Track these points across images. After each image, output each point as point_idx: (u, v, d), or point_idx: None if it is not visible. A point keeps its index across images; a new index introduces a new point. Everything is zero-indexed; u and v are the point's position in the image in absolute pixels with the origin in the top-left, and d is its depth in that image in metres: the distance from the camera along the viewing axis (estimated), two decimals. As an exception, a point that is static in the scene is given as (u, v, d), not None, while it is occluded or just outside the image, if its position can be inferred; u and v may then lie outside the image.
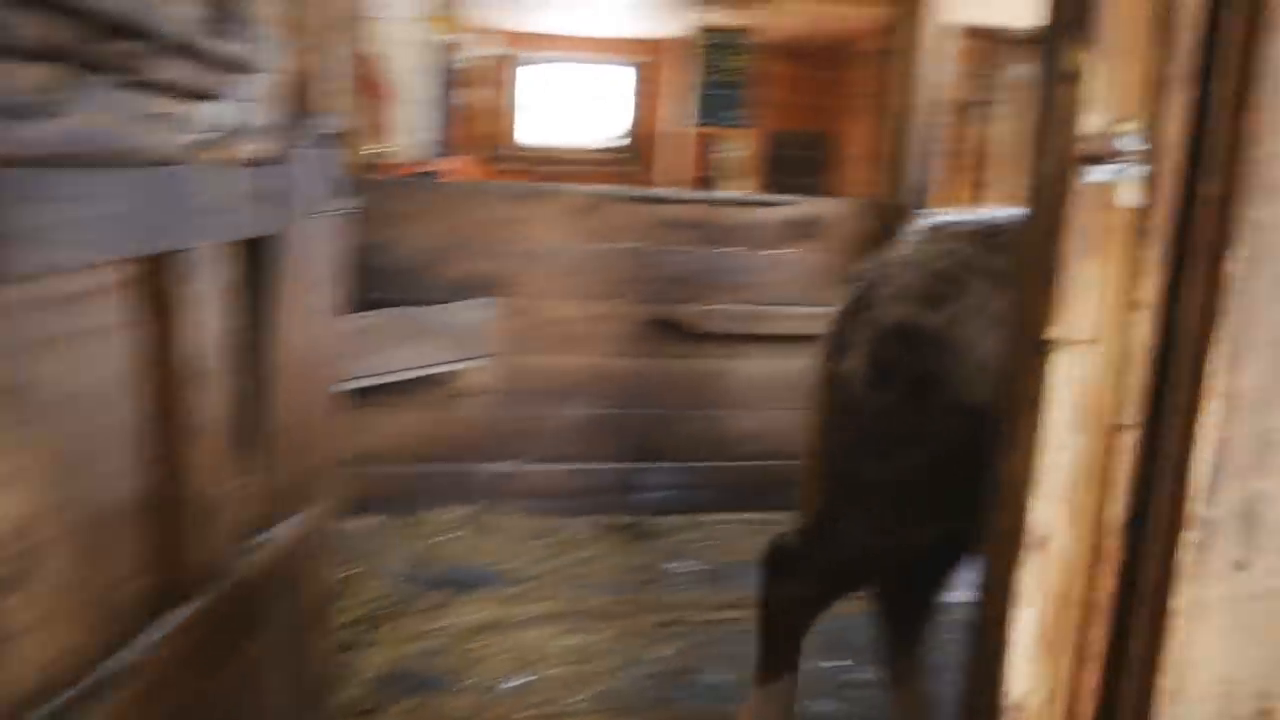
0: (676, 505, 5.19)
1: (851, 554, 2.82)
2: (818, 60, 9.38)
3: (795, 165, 9.24)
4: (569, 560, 4.64)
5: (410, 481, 4.91)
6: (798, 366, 5.17)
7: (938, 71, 4.88)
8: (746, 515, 5.22)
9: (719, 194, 5.08)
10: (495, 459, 5.01)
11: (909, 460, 2.57)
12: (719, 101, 8.68)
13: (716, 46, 8.49)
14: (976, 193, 6.97)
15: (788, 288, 5.11)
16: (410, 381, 4.69)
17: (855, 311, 2.75)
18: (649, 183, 10.18)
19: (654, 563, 4.65)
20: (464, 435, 4.96)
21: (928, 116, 4.92)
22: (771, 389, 5.20)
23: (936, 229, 2.73)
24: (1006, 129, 6.74)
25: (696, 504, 5.21)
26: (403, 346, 4.59)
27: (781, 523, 5.13)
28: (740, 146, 9.02)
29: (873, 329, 2.64)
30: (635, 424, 5.10)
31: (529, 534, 4.85)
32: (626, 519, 5.06)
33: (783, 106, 9.20)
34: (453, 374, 4.85)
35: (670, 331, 5.03)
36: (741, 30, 8.48)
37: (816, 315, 5.15)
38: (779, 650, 2.99)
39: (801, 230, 5.07)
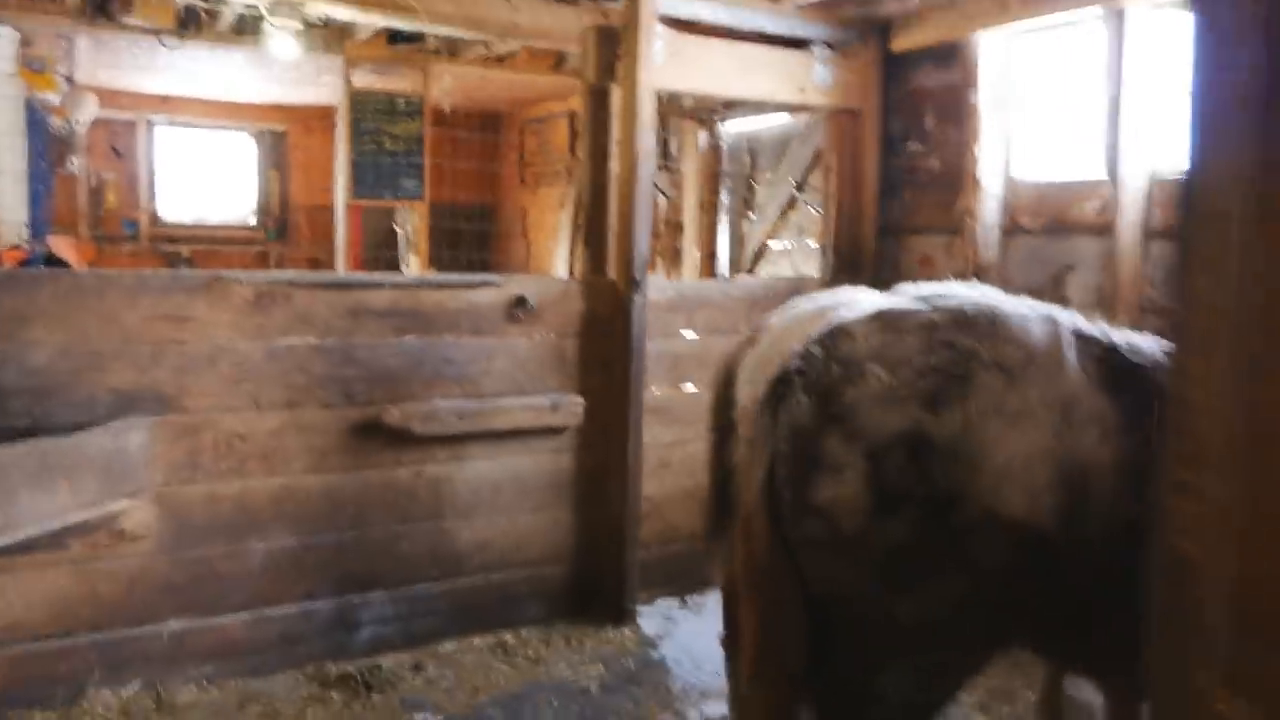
0: (402, 640, 4.42)
1: (902, 714, 2.31)
2: (486, 127, 9.01)
3: (464, 239, 8.74)
4: (282, 738, 3.73)
5: (51, 661, 3.74)
6: (526, 463, 4.66)
7: (649, 138, 4.64)
8: (485, 638, 4.56)
9: (416, 276, 4.48)
10: (163, 618, 3.96)
11: (955, 594, 2.18)
12: (380, 172, 8.01)
13: (377, 112, 7.82)
14: (672, 263, 6.88)
15: (506, 377, 4.58)
16: (45, 535, 3.57)
17: (818, 422, 2.25)
18: (298, 262, 9.20)
19: (391, 722, 3.85)
20: (120, 594, 3.87)
21: (644, 185, 4.65)
22: (499, 491, 4.62)
23: (889, 317, 2.35)
24: (690, 197, 6.72)
25: (426, 634, 4.47)
26: (31, 490, 3.47)
27: (526, 639, 4.62)
28: (408, 220, 8.38)
29: (862, 444, 2.18)
30: (342, 551, 4.28)
31: (216, 711, 3.86)
32: (344, 667, 4.20)
33: (451, 176, 8.69)
34: (100, 518, 3.77)
35: (376, 437, 4.29)
36: (403, 96, 7.89)
37: (541, 405, 4.72)
38: None
39: (515, 312, 4.57)
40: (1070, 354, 2.27)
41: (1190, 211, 0.90)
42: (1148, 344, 2.45)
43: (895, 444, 2.15)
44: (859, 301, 2.61)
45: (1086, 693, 3.87)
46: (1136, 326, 2.92)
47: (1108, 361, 2.30)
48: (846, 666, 2.34)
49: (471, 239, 8.54)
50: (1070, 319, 2.41)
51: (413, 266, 8.17)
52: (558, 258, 8.14)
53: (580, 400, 4.73)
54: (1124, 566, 2.15)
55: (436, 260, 8.46)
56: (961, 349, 2.21)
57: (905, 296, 2.52)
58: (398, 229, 8.50)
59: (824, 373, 2.28)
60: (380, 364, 4.27)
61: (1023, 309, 2.38)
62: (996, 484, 2.12)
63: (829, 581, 2.31)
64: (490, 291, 4.54)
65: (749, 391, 2.89)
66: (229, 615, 4.08)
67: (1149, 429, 2.15)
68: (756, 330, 2.98)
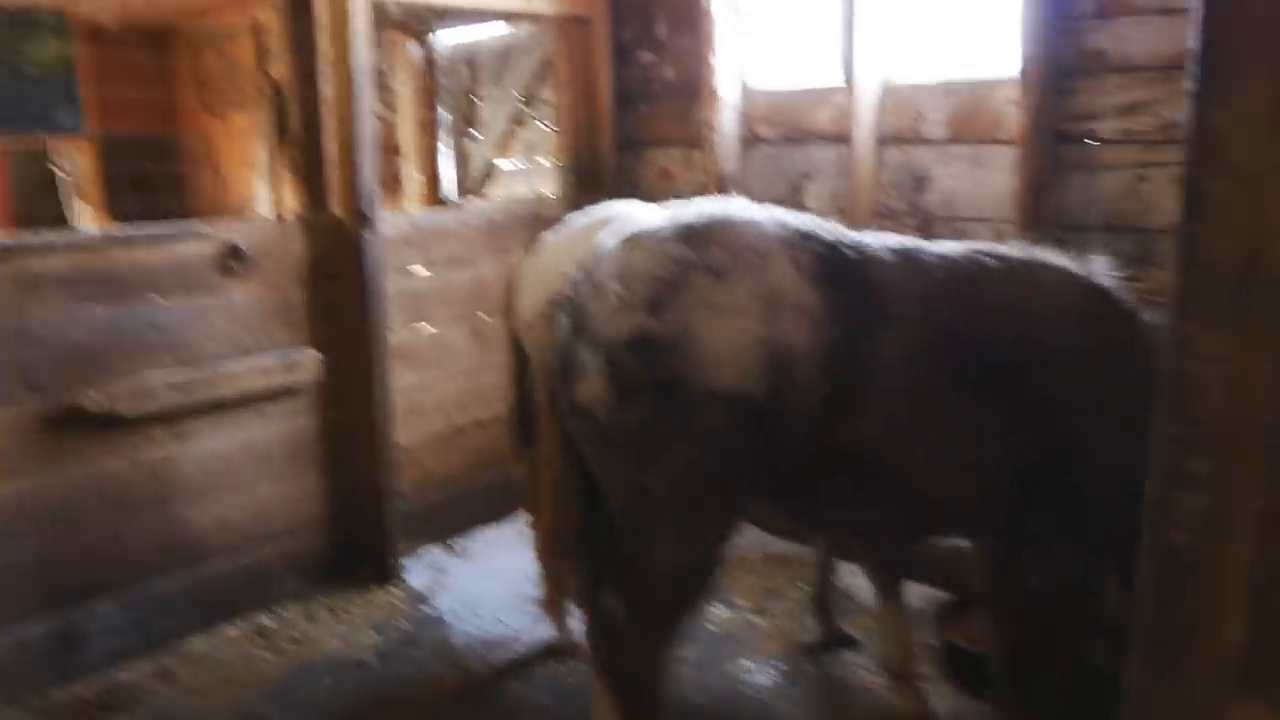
0: (143, 646, 3.90)
1: (668, 575, 2.67)
2: (157, 46, 7.84)
3: (146, 181, 7.64)
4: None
5: None
6: (261, 431, 4.20)
7: (366, 53, 4.17)
8: (240, 626, 4.13)
9: (101, 232, 3.79)
10: None
11: (686, 460, 2.55)
12: (22, 103, 6.75)
13: (9, 28, 6.51)
14: (392, 192, 6.39)
15: (228, 338, 4.05)
16: None
17: (572, 337, 2.65)
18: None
19: (143, 744, 3.40)
20: None
21: (364, 109, 4.19)
22: (233, 466, 4.13)
23: (631, 238, 2.70)
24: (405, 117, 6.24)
25: (170, 635, 3.98)
26: None
27: (287, 619, 4.23)
28: (70, 160, 7.16)
29: (601, 349, 2.57)
30: (50, 563, 3.67)
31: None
32: (75, 691, 3.66)
33: (118, 107, 7.50)
34: None
35: (76, 427, 3.67)
36: (42, 9, 6.63)
37: (271, 365, 4.23)
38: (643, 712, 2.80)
39: (229, 264, 4.03)
40: (785, 254, 2.59)
41: (1201, 161, 0.78)
42: (877, 242, 2.75)
43: (625, 344, 2.53)
44: (629, 217, 2.92)
45: (856, 583, 4.08)
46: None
47: (826, 259, 2.61)
48: (624, 535, 2.73)
49: (154, 180, 7.50)
50: (802, 222, 2.71)
51: (84, 218, 7.05)
52: (258, 194, 7.36)
53: (315, 354, 4.29)
54: (829, 436, 2.59)
55: (116, 208, 7.36)
56: (678, 258, 2.56)
57: (667, 213, 2.84)
58: (58, 172, 7.28)
59: (577, 294, 2.68)
60: (68, 341, 3.63)
61: (748, 216, 2.70)
62: (712, 366, 2.48)
63: (598, 465, 2.73)
64: (197, 242, 3.96)
65: (529, 304, 3.40)
66: (-86, 658, 3.41)
67: (856, 317, 2.54)
68: (536, 244, 3.32)
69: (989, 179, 4.17)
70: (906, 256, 2.69)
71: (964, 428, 2.62)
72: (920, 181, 4.38)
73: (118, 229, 3.78)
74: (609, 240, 2.77)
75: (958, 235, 4.40)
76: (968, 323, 2.62)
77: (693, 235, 2.61)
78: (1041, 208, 3.92)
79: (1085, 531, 2.70)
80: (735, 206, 2.76)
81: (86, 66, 6.94)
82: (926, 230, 4.33)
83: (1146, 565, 0.89)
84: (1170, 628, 0.83)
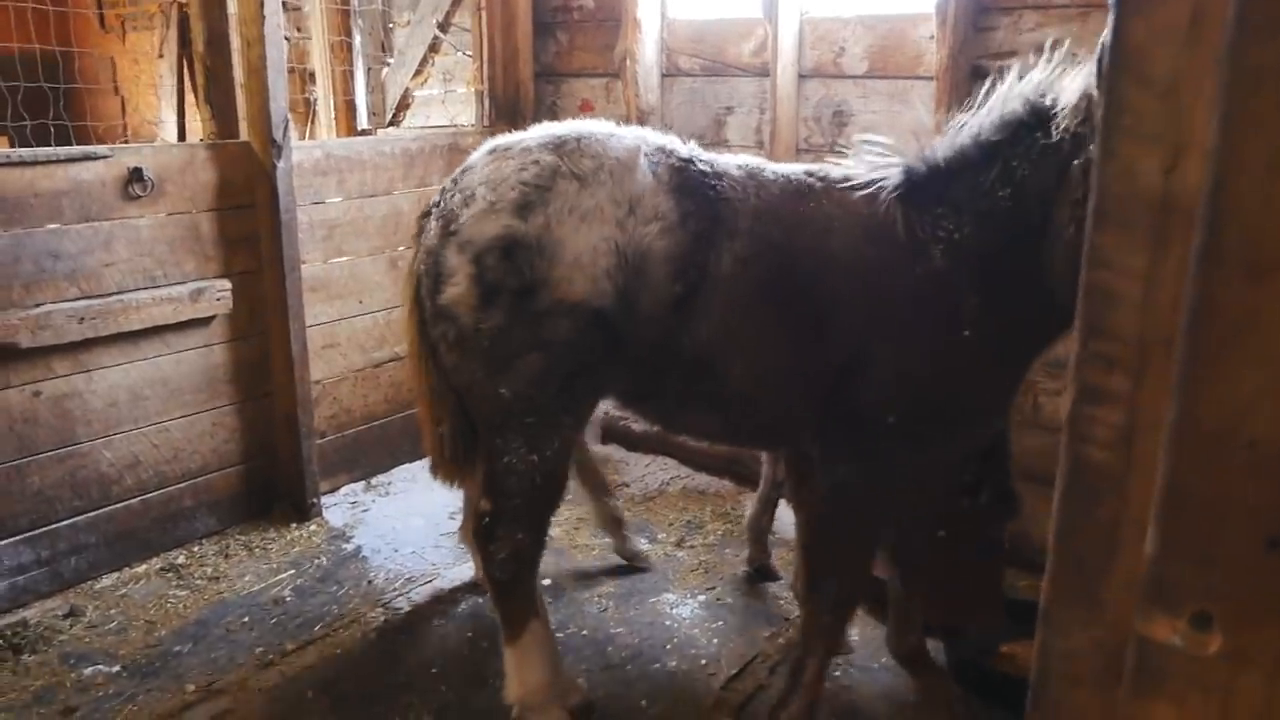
0: (50, 585, 3.79)
1: (524, 476, 2.82)
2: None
3: (37, 101, 7.19)
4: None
5: None
6: (170, 364, 4.07)
7: (273, -28, 3.98)
8: (152, 563, 4.04)
9: (4, 151, 3.56)
10: None
11: (535, 369, 2.70)
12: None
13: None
14: (304, 118, 6.17)
15: (133, 267, 3.89)
16: None
17: (441, 240, 2.75)
18: None
19: (53, 686, 3.31)
20: None
21: (274, 30, 4.01)
22: (141, 400, 4.00)
23: (500, 149, 2.83)
24: (317, 40, 6.00)
25: (79, 573, 3.87)
26: None
27: (201, 556, 4.15)
28: None
29: (469, 251, 2.67)
30: (-49, 498, 3.53)
31: None
32: (-20, 632, 3.55)
33: (4, 23, 7.02)
34: None
35: (-28, 357, 3.51)
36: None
37: (179, 296, 4.08)
38: (516, 605, 3.02)
39: (132, 189, 3.85)
40: (645, 164, 2.74)
41: (1120, 73, 0.79)
42: (727, 160, 2.91)
43: (492, 246, 2.64)
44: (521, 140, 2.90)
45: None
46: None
47: (682, 171, 2.76)
48: (484, 439, 2.90)
49: (43, 100, 7.09)
50: (660, 140, 2.87)
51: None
52: (164, 120, 7.02)
53: (226, 284, 4.16)
54: (673, 339, 2.73)
55: (8, 125, 6.93)
56: (546, 164, 2.70)
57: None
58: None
59: (448, 201, 2.79)
60: (-40, 268, 3.45)
61: (610, 131, 2.86)
62: (568, 273, 2.62)
63: (457, 373, 2.83)
64: (96, 166, 3.78)
65: None
66: None
67: (704, 225, 2.69)
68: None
69: (909, 114, 4.20)
70: (750, 174, 2.85)
71: (779, 335, 2.76)
72: (841, 116, 4.40)
73: (14, 150, 3.54)
74: (477, 153, 2.91)
75: (877, 172, 4.45)
76: (786, 236, 2.76)
77: (560, 144, 2.76)
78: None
79: (872, 442, 2.78)
80: (598, 124, 2.91)
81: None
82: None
83: (1062, 483, 0.91)
84: (1086, 544, 0.87)
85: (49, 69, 7.56)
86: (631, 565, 4.09)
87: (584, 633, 3.66)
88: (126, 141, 7.62)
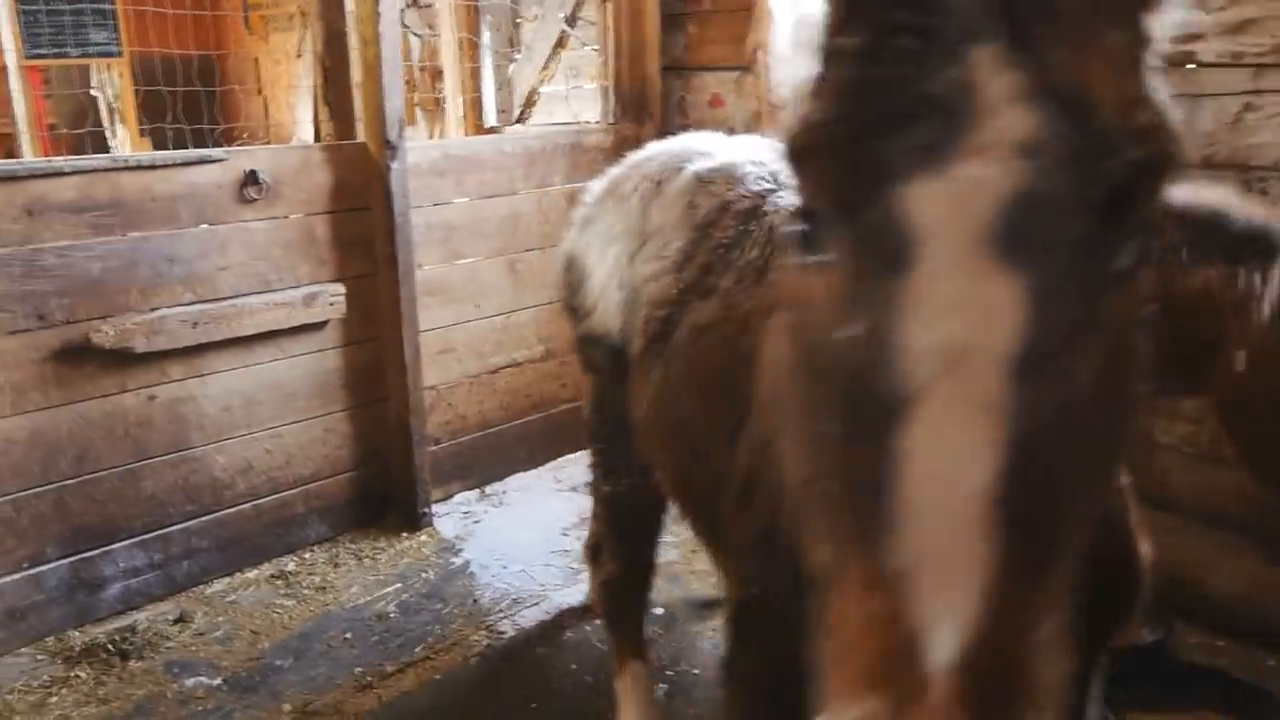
0: (161, 588, 3.79)
1: (606, 505, 2.75)
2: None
3: (187, 104, 7.41)
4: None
5: None
6: (284, 369, 4.02)
7: (390, -30, 3.86)
8: (262, 569, 4.01)
9: (111, 156, 3.58)
10: None
11: (596, 398, 2.60)
12: (59, 22, 6.53)
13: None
14: (434, 116, 6.10)
15: (247, 271, 3.84)
16: None
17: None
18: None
19: (155, 696, 3.27)
20: None
21: (390, 28, 3.90)
22: (255, 405, 3.95)
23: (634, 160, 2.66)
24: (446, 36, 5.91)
25: (190, 578, 3.86)
26: None
27: (310, 564, 4.09)
28: (108, 82, 6.95)
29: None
30: (67, 502, 3.54)
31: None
32: (92, 634, 3.56)
33: (156, 25, 7.25)
34: None
35: (89, 362, 3.51)
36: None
37: (293, 300, 4.01)
38: (614, 638, 2.92)
39: (247, 192, 3.80)
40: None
41: None
42: None
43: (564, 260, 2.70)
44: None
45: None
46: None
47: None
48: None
49: (191, 101, 7.28)
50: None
51: (122, 142, 6.87)
52: (301, 118, 7.12)
53: (340, 288, 4.07)
54: None
55: (154, 132, 7.17)
56: (611, 180, 2.62)
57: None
58: (97, 95, 7.11)
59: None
60: (79, 272, 3.45)
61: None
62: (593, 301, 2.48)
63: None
64: (212, 169, 3.74)
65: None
66: (-71, 596, 3.32)
67: None
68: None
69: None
70: None
71: None
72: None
73: (131, 154, 3.55)
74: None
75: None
76: None
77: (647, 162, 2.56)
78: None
79: None
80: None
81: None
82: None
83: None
84: None
85: (204, 72, 7.81)
86: None
87: (695, 670, 3.39)
88: (268, 143, 7.79)
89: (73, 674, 3.34)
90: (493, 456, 4.85)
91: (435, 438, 4.54)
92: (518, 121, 6.00)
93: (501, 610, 3.77)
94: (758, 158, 2.29)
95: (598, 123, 5.17)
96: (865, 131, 0.89)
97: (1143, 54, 0.91)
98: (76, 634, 3.55)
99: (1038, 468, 0.82)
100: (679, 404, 2.10)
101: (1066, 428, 0.85)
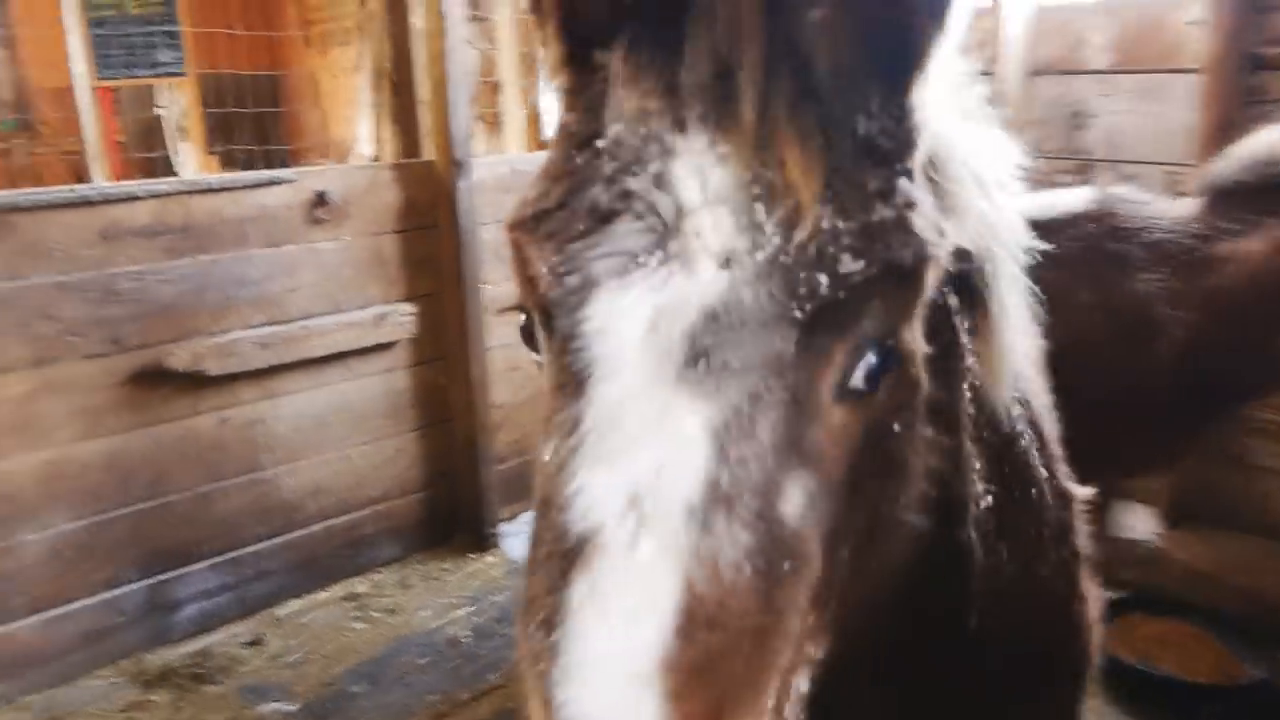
0: (236, 610, 3.78)
1: None
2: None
3: (246, 120, 7.50)
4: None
5: None
6: (354, 389, 4.00)
7: (457, -14, 3.83)
8: (333, 590, 3.98)
9: (182, 180, 3.59)
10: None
11: None
12: (127, 43, 6.62)
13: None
14: (492, 129, 6.08)
15: (317, 292, 3.83)
16: None
17: None
18: (52, 164, 7.70)
19: (231, 721, 3.25)
20: None
21: (457, 44, 3.86)
22: (326, 426, 3.94)
23: None
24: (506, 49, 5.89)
25: (263, 599, 3.85)
26: None
27: (381, 585, 4.06)
28: (174, 101, 7.04)
29: None
30: (142, 525, 3.55)
31: (14, 738, 3.18)
32: (167, 657, 3.56)
33: (218, 44, 7.33)
34: None
35: (162, 385, 3.51)
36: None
37: (363, 320, 3.98)
38: None
39: (316, 213, 3.78)
40: None
41: None
42: None
43: None
44: None
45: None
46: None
47: None
48: None
49: (255, 119, 7.34)
50: None
51: (188, 161, 6.95)
52: (360, 132, 7.14)
53: (409, 308, 4.05)
54: None
55: (220, 149, 7.25)
56: None
57: None
58: (162, 114, 7.20)
59: None
60: (152, 296, 3.45)
61: None
62: None
63: None
64: (281, 190, 3.73)
65: None
66: (14, 622, 3.34)
67: None
68: None
69: (1164, 114, 3.62)
70: None
71: None
72: (1078, 118, 3.84)
73: (202, 177, 3.55)
74: None
75: (1125, 182, 3.86)
76: None
77: None
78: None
79: None
80: None
81: (187, 5, 6.80)
82: (1085, 177, 3.81)
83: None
84: None
85: (264, 89, 7.89)
86: None
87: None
88: (327, 156, 7.83)
89: (149, 698, 3.34)
90: (559, 474, 4.78)
91: (502, 456, 4.49)
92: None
93: (574, 635, 3.70)
94: None
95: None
96: (565, 229, 0.83)
97: (887, 145, 0.83)
98: (152, 657, 3.55)
99: (728, 616, 0.74)
100: None
101: (768, 569, 0.76)
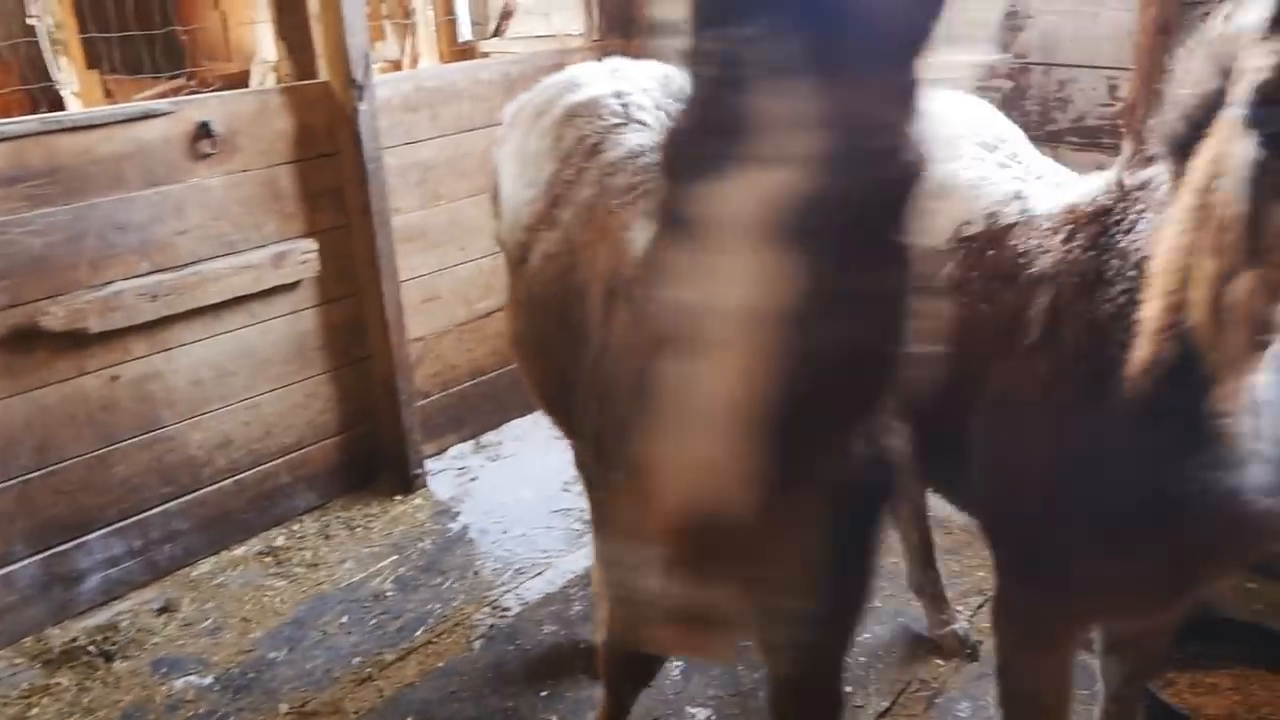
0: (145, 575, 3.60)
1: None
2: None
3: (138, 25, 6.87)
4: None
5: None
6: (256, 335, 3.74)
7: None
8: (250, 545, 3.81)
9: (42, 117, 3.19)
10: None
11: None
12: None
13: None
14: (404, 33, 5.65)
15: (207, 233, 3.52)
16: None
17: None
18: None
19: (143, 701, 3.09)
20: None
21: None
22: (227, 376, 3.69)
23: None
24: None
25: (174, 561, 3.66)
26: None
27: (300, 536, 3.89)
28: (46, 13, 6.33)
29: None
30: (31, 496, 3.30)
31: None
32: (72, 632, 3.37)
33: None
34: None
35: (40, 347, 3.22)
36: None
37: (260, 261, 3.69)
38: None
39: (200, 146, 3.45)
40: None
41: None
42: None
43: None
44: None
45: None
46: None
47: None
48: None
49: (143, 26, 6.73)
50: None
51: (68, 77, 6.35)
52: (264, 39, 6.61)
53: (311, 244, 3.77)
54: None
55: (103, 60, 6.63)
56: None
57: None
58: (34, 23, 6.56)
59: None
60: (18, 249, 3.13)
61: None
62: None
63: None
64: (160, 123, 3.38)
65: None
66: (-108, 603, 3.12)
67: None
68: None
69: (1102, 16, 3.44)
70: None
71: None
72: (1012, 18, 3.64)
73: (66, 113, 3.20)
74: None
75: (1059, 86, 3.68)
76: None
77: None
78: (1170, 55, 3.17)
79: None
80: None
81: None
82: (1020, 80, 3.63)
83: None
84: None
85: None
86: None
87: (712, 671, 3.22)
88: (230, 60, 7.30)
89: (53, 680, 3.16)
90: (486, 405, 4.61)
91: (425, 391, 4.29)
92: (494, 35, 5.56)
93: (504, 583, 3.59)
94: (627, 88, 2.44)
95: (580, 37, 4.75)
96: (690, 137, 1.12)
97: (908, 90, 1.08)
98: (56, 632, 3.36)
99: (798, 392, 1.02)
100: (535, 324, 2.41)
101: (825, 369, 1.05)
